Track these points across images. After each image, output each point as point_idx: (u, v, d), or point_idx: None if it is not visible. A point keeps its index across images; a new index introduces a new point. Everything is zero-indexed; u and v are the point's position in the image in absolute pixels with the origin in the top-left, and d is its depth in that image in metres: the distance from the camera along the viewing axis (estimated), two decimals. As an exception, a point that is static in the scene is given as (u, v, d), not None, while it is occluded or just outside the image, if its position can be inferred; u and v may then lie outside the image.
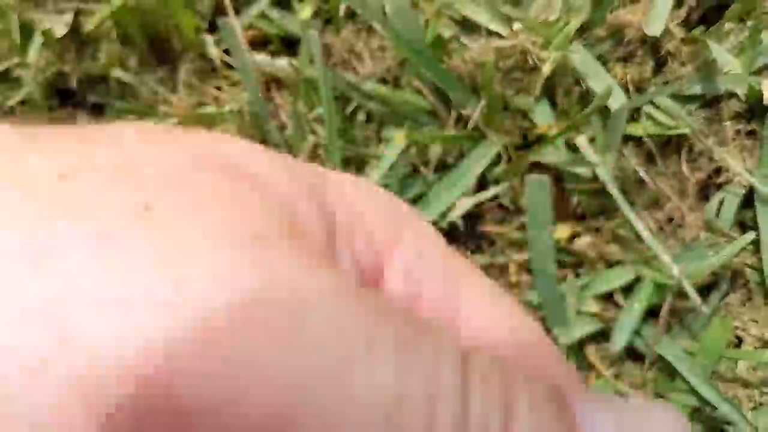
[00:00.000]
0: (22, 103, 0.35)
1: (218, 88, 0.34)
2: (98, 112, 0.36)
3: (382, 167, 0.33)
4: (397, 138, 0.33)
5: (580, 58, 0.34)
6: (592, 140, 0.34)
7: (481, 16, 0.34)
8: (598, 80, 0.34)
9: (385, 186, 0.34)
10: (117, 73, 0.33)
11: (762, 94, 0.33)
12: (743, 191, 0.34)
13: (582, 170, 0.33)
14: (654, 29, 0.33)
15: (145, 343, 0.12)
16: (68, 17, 0.33)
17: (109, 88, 0.35)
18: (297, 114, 0.34)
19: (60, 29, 0.33)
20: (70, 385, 0.12)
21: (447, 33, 0.33)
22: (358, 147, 0.35)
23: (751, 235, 0.32)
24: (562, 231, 0.34)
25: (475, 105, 0.33)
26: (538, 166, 0.34)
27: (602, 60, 0.35)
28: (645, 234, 0.32)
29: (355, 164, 0.35)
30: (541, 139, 0.33)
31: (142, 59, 0.35)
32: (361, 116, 0.35)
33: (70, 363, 0.12)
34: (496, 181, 0.34)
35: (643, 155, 0.35)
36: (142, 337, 0.12)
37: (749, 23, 0.34)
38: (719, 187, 0.34)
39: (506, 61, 0.33)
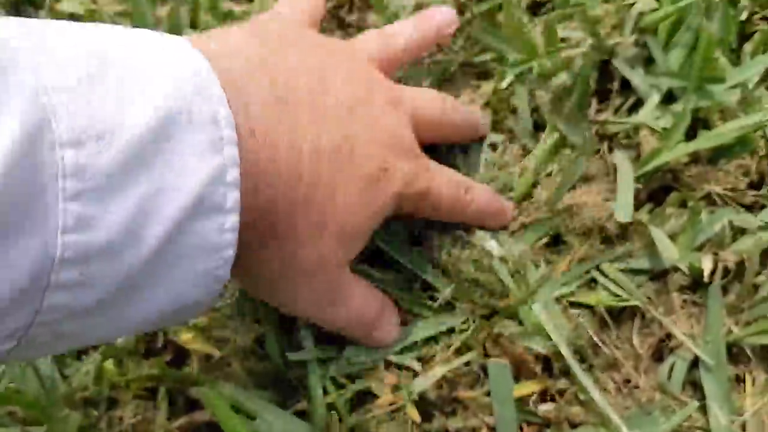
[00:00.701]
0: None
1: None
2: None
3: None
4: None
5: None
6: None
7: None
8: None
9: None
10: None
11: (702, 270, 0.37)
12: (692, 356, 0.37)
13: (539, 340, 0.36)
14: (623, 217, 0.37)
15: None
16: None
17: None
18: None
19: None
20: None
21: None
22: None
23: (696, 404, 0.35)
24: (527, 388, 0.37)
25: (445, 287, 0.37)
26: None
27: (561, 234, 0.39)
28: (598, 399, 0.36)
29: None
30: (503, 312, 0.37)
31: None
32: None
33: None
34: (468, 348, 0.38)
35: (599, 322, 0.38)
36: None
37: (690, 204, 0.39)
38: (672, 350, 0.38)
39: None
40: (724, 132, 0.39)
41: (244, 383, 0.36)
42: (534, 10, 0.47)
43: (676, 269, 0.38)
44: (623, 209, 0.38)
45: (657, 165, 0.39)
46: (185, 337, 0.38)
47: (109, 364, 0.36)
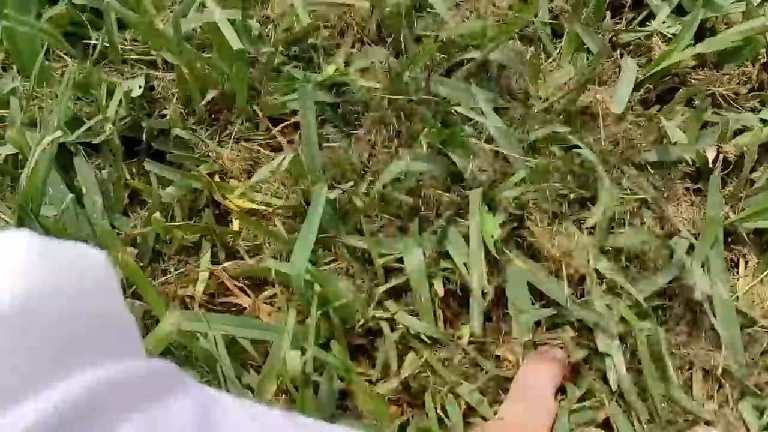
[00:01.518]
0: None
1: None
2: (160, 158, 0.43)
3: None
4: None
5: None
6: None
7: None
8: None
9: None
10: (177, 130, 0.41)
11: (707, 159, 0.41)
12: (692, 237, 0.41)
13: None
14: (617, 108, 0.41)
15: None
16: (141, 80, 0.42)
17: (170, 140, 0.43)
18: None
19: (136, 91, 0.41)
20: None
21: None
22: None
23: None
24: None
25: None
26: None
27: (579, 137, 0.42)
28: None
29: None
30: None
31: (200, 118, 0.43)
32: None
33: None
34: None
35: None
36: None
37: (696, 101, 0.42)
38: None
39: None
40: (729, 36, 0.42)
41: (285, 240, 0.39)
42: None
43: (680, 161, 0.42)
44: (619, 102, 0.42)
45: (667, 65, 0.42)
46: (230, 196, 0.40)
47: (157, 216, 0.39)
